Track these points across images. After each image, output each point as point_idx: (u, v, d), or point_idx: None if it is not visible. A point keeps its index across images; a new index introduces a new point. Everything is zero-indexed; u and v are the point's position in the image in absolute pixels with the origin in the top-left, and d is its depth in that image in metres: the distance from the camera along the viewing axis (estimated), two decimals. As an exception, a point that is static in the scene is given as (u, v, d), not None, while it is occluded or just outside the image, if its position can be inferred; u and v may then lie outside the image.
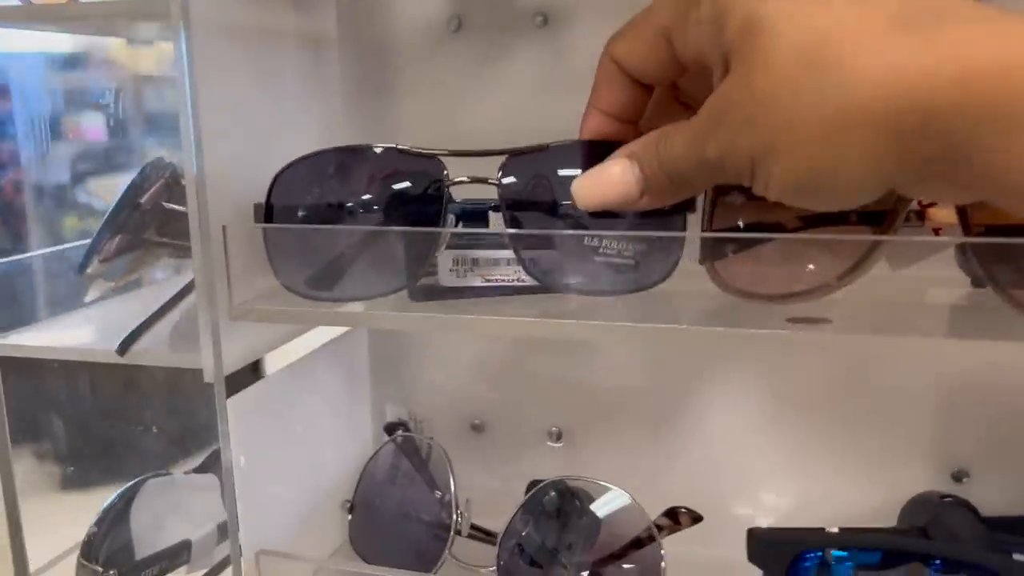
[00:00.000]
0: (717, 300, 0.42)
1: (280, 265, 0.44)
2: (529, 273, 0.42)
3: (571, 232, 0.42)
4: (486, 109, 0.55)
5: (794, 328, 0.39)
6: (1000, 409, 0.51)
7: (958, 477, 0.52)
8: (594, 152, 0.39)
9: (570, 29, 0.53)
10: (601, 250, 0.42)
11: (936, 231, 0.43)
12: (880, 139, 0.27)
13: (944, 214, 0.42)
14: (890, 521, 0.50)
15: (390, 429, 0.59)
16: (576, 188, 0.36)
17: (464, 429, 0.61)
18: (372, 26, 0.57)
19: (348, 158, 0.45)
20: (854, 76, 0.27)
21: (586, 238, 0.43)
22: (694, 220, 0.41)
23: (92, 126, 0.86)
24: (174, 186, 0.52)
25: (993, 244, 0.37)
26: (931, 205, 0.42)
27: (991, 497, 0.50)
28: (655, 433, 0.57)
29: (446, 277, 0.44)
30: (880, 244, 0.39)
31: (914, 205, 0.41)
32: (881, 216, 0.40)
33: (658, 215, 0.42)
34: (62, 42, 0.79)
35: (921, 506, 0.48)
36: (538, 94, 0.54)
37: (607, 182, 0.35)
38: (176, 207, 0.50)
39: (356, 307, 0.45)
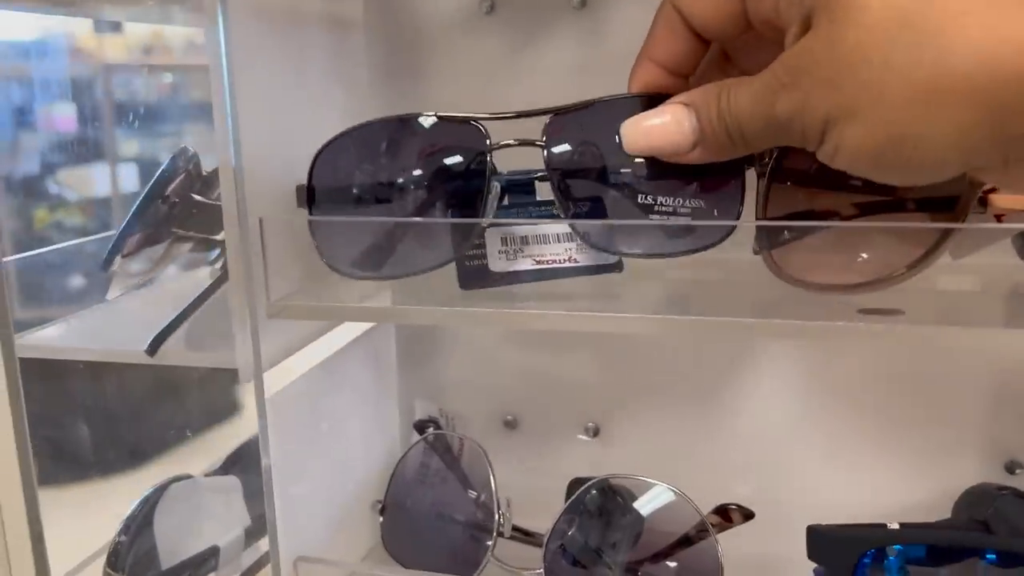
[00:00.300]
0: (774, 290, 0.41)
1: (325, 246, 0.42)
2: (584, 241, 0.40)
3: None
4: (520, 95, 0.53)
5: (868, 320, 0.38)
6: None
7: (1011, 468, 0.51)
8: (643, 107, 0.37)
9: (608, 11, 0.51)
10: (656, 208, 0.40)
11: (998, 217, 0.41)
12: (974, 109, 0.25)
13: (1007, 200, 0.41)
14: (944, 514, 0.49)
15: (420, 427, 0.57)
16: (625, 129, 0.35)
17: (497, 425, 0.59)
18: (399, 8, 0.54)
19: (388, 130, 0.43)
20: (954, 40, 0.25)
21: (639, 197, 0.41)
22: (749, 207, 0.40)
23: (61, 116, 0.82)
24: (196, 178, 0.49)
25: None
26: (993, 190, 0.41)
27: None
28: (695, 428, 0.56)
29: (496, 261, 0.42)
30: (951, 232, 0.38)
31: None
32: (951, 202, 0.38)
33: (714, 168, 0.41)
34: (27, 28, 0.75)
35: (978, 499, 0.47)
36: (574, 80, 0.52)
37: (660, 128, 0.34)
38: (203, 199, 0.48)
39: (390, 303, 0.43)
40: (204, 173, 0.51)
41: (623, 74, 0.51)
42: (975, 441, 0.51)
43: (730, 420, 0.55)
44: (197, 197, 0.47)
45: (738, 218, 0.39)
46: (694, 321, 0.39)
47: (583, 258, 0.41)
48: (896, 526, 0.45)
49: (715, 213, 0.39)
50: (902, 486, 0.52)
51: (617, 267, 0.41)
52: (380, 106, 0.55)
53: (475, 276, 0.41)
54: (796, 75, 0.28)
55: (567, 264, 0.41)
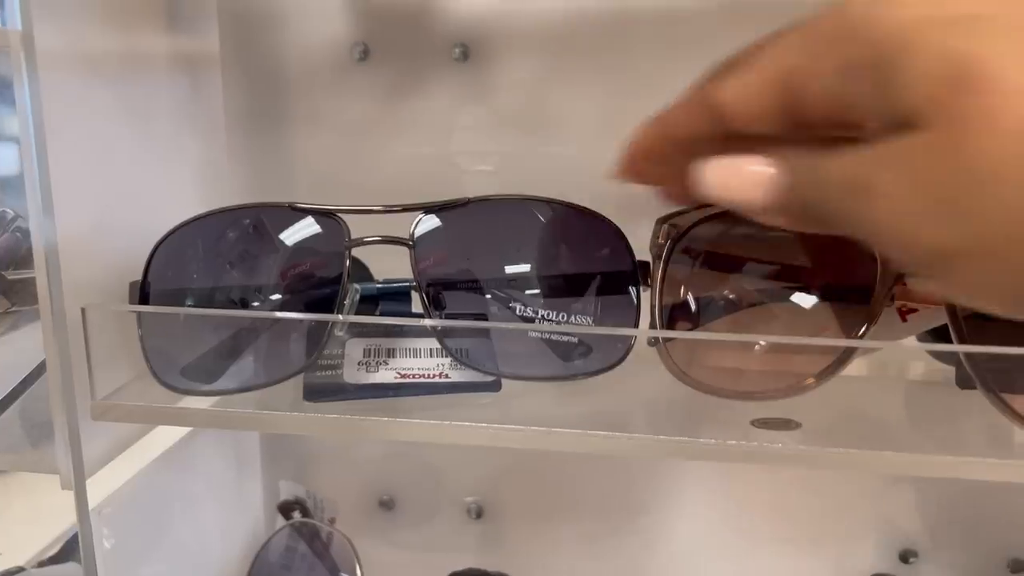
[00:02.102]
0: (669, 390, 0.37)
1: (154, 355, 0.37)
2: (457, 359, 0.36)
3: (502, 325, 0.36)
4: (395, 150, 0.48)
5: (761, 436, 0.34)
6: (946, 487, 0.49)
7: (904, 557, 0.49)
8: (524, 211, 0.35)
9: (492, 65, 0.46)
10: (540, 322, 0.37)
11: (903, 312, 0.39)
12: None
13: (919, 294, 0.38)
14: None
15: (285, 509, 0.52)
16: (707, 169, 0.29)
17: (372, 505, 0.54)
18: (262, 49, 0.49)
19: (234, 221, 0.38)
20: None
21: (520, 309, 0.37)
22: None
23: None
24: (16, 247, 0.43)
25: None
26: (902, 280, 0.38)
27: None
28: (584, 508, 0.52)
29: (352, 372, 0.37)
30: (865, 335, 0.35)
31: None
32: (865, 293, 0.35)
33: (607, 284, 0.38)
34: None
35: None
36: (456, 135, 0.48)
37: (747, 177, 0.28)
38: (18, 275, 0.41)
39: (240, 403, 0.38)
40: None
41: (508, 134, 0.47)
42: (870, 527, 0.49)
43: (620, 502, 0.52)
44: (11, 275, 0.40)
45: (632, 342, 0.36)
46: (571, 435, 0.35)
47: (457, 375, 0.37)
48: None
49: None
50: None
51: (494, 387, 0.37)
52: (240, 158, 0.49)
53: (324, 388, 0.37)
54: (901, 184, 0.23)
55: (436, 380, 0.37)
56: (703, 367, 0.36)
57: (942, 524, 0.49)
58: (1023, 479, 0.32)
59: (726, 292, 0.36)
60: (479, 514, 0.53)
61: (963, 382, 0.37)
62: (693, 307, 0.36)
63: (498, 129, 0.47)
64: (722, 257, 0.36)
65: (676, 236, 0.35)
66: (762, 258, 0.36)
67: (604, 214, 0.38)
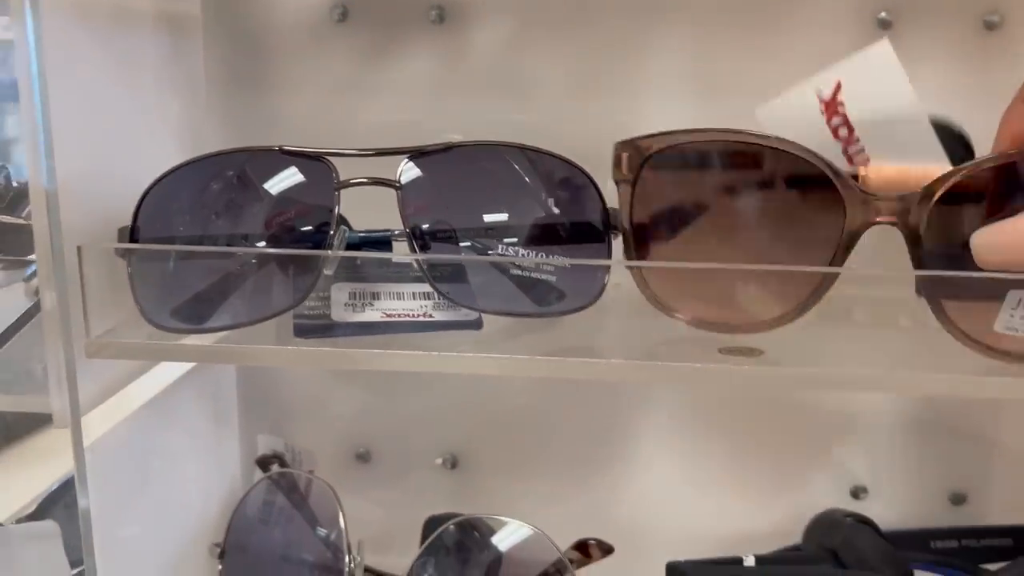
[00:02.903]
0: (639, 318, 0.40)
1: (143, 293, 0.38)
2: (443, 295, 0.38)
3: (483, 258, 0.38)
4: (372, 110, 0.50)
5: (728, 361, 0.37)
6: (894, 425, 0.52)
7: (855, 494, 0.52)
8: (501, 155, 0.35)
9: (468, 29, 0.49)
10: (521, 267, 0.39)
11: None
12: None
13: (880, 180, 0.39)
14: (797, 538, 0.49)
15: (263, 463, 0.53)
16: (988, 238, 0.30)
17: (348, 459, 0.56)
18: (242, 9, 0.50)
19: (223, 166, 0.40)
20: None
21: (502, 250, 0.39)
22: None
23: None
24: (4, 193, 0.44)
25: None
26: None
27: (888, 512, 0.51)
28: (555, 457, 0.55)
29: (340, 311, 0.39)
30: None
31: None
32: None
33: (582, 233, 0.40)
34: None
35: (827, 527, 0.48)
36: (432, 96, 0.50)
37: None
38: (11, 218, 0.42)
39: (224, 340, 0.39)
40: (15, 184, 0.45)
41: (482, 95, 0.49)
42: (823, 467, 0.53)
43: (589, 452, 0.54)
44: (3, 218, 0.41)
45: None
46: (547, 361, 0.37)
47: (440, 315, 0.39)
48: (751, 560, 0.45)
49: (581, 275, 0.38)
50: (759, 514, 0.53)
51: (476, 325, 0.39)
52: (220, 118, 0.51)
53: (312, 326, 0.38)
54: None
55: (420, 319, 0.39)
56: (679, 295, 0.38)
57: (890, 462, 0.52)
58: (978, 394, 0.35)
59: (696, 217, 0.37)
60: (454, 464, 0.55)
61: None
62: (664, 234, 0.38)
63: (473, 91, 0.49)
64: (691, 181, 0.37)
65: (642, 161, 0.36)
66: (731, 185, 0.37)
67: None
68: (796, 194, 0.36)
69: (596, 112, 0.48)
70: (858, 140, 0.41)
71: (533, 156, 0.41)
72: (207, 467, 0.54)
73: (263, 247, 0.39)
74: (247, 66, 0.50)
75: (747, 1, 0.47)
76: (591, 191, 0.41)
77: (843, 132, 0.41)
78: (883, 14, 0.46)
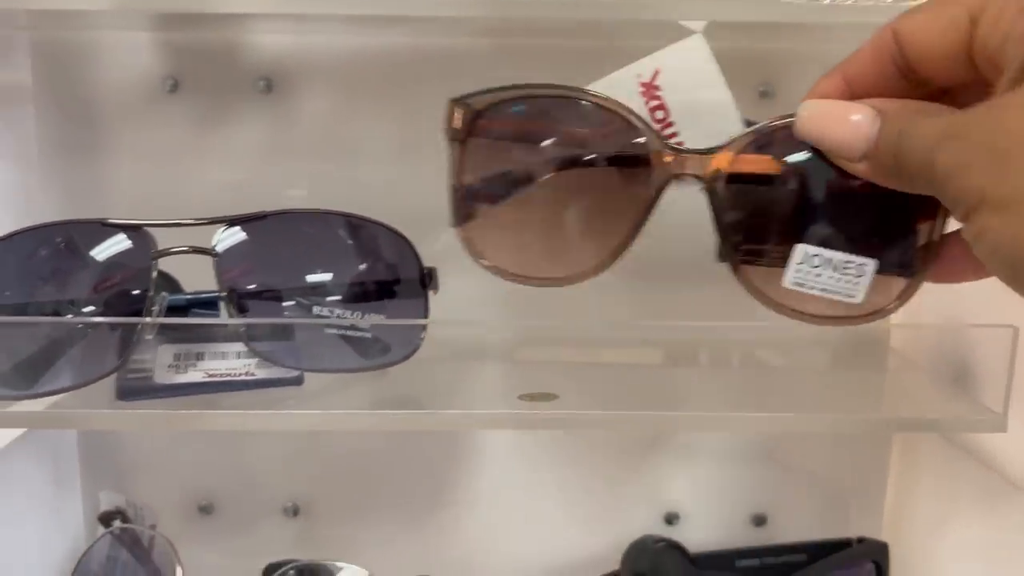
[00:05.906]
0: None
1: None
2: (260, 355, 0.41)
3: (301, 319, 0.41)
4: (205, 178, 0.52)
5: (528, 408, 0.41)
6: (700, 456, 0.57)
7: (670, 520, 0.57)
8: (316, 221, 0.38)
9: (294, 98, 0.51)
10: (335, 321, 0.42)
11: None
12: None
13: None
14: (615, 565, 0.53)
15: (105, 519, 0.54)
16: (806, 107, 0.31)
17: (192, 512, 0.57)
18: (74, 80, 0.52)
19: (47, 237, 0.42)
20: None
21: (315, 311, 0.42)
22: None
23: None
24: None
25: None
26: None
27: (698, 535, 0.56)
28: (393, 501, 0.57)
29: (163, 373, 0.41)
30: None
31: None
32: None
33: (395, 289, 0.43)
34: None
35: (640, 552, 0.52)
36: (262, 163, 0.52)
37: (842, 120, 0.30)
38: None
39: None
40: None
41: (312, 160, 0.52)
42: (640, 497, 0.57)
43: (424, 494, 0.57)
44: None
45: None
46: (364, 415, 0.41)
47: (263, 372, 0.41)
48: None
49: (397, 332, 0.42)
50: (584, 544, 0.57)
51: (296, 381, 0.42)
52: (52, 185, 0.52)
53: (136, 388, 0.40)
54: (970, 130, 0.24)
55: (243, 377, 0.41)
56: (507, 253, 0.36)
57: (698, 488, 0.57)
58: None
59: (526, 172, 0.36)
60: (295, 512, 0.57)
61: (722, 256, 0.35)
62: (493, 190, 0.36)
63: (301, 155, 0.52)
64: (521, 137, 0.36)
65: (473, 116, 0.35)
66: (560, 137, 0.36)
67: (398, 227, 0.44)
68: (614, 148, 0.36)
69: (420, 172, 0.51)
70: (672, 124, 0.44)
71: (350, 221, 0.44)
72: (49, 526, 0.54)
73: (88, 313, 0.40)
74: (79, 134, 0.52)
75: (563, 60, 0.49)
76: (407, 251, 0.44)
77: (659, 114, 0.44)
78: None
